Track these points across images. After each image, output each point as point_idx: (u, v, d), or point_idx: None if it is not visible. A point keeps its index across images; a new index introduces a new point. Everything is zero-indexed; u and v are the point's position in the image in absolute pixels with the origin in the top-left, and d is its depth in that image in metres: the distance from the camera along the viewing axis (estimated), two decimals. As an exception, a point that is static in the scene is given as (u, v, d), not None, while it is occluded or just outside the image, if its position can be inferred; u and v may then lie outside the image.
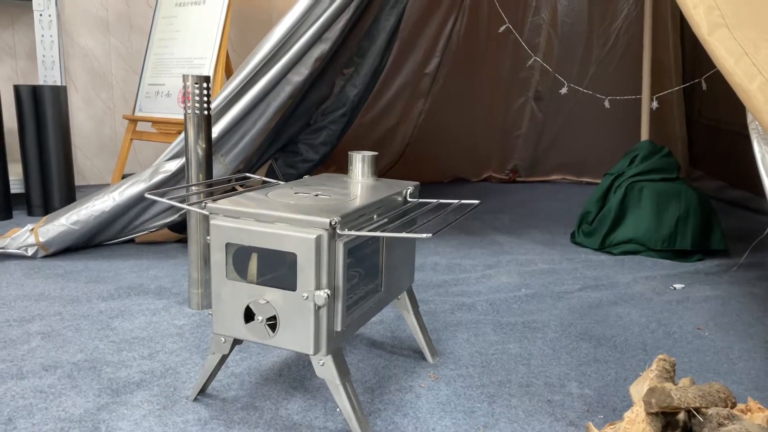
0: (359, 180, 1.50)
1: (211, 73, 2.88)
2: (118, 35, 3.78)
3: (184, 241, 2.58)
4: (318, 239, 1.11)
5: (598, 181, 4.40)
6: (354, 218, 1.19)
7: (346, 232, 1.13)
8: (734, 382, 1.49)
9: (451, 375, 1.48)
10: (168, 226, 2.49)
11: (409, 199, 1.46)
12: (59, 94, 2.88)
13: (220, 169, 2.39)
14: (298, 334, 1.16)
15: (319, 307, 1.13)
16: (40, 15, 3.10)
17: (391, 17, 2.23)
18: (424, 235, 1.10)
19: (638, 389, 1.28)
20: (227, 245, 1.18)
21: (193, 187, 1.79)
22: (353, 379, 1.44)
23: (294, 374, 1.46)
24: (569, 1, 3.53)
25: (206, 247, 1.83)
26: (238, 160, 2.41)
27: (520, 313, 1.90)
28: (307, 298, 1.13)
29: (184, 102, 1.75)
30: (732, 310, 1.97)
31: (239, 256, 1.21)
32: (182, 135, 2.29)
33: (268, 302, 1.16)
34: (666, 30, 3.58)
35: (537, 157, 4.30)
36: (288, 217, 1.13)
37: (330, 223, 1.11)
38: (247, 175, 1.62)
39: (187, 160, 1.78)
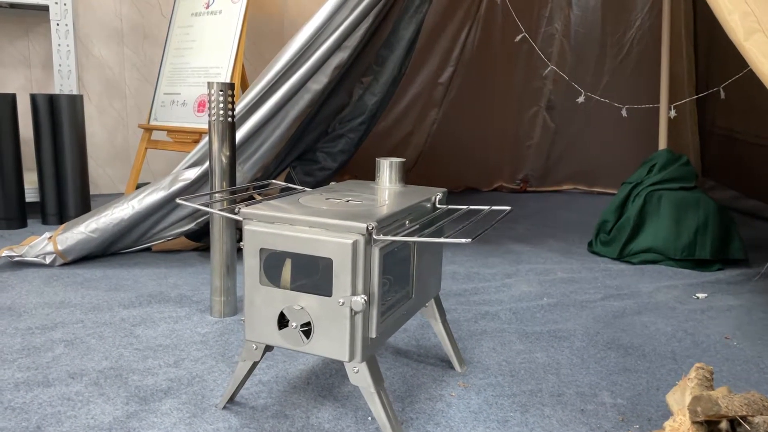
0: (386, 186, 1.49)
1: (228, 81, 2.88)
2: (132, 45, 3.79)
3: (200, 250, 2.57)
4: (354, 244, 1.10)
5: (610, 190, 4.40)
6: (388, 224, 1.18)
7: (381, 237, 1.12)
8: (767, 392, 1.47)
9: (481, 384, 1.47)
10: (185, 235, 2.48)
11: (438, 206, 1.45)
12: (75, 103, 2.89)
13: (237, 178, 2.38)
14: (332, 341, 1.14)
15: (356, 313, 1.12)
16: (57, 24, 3.11)
17: (411, 26, 2.23)
18: (463, 240, 1.09)
19: (676, 398, 1.26)
20: (261, 251, 1.17)
21: (216, 194, 1.79)
22: (392, 390, 1.42)
23: (322, 382, 1.44)
24: (582, 11, 3.54)
25: (228, 255, 1.82)
26: (256, 168, 2.40)
27: (543, 322, 1.88)
28: (343, 303, 1.12)
29: (207, 109, 1.75)
30: (757, 320, 1.95)
31: (270, 262, 1.20)
32: (202, 143, 2.29)
33: (302, 308, 1.15)
34: (680, 39, 3.59)
35: (548, 167, 4.30)
36: (324, 222, 1.12)
37: (367, 228, 1.10)
38: (273, 181, 1.62)
39: (210, 167, 1.77)
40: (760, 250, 2.77)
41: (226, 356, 1.57)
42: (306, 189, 1.56)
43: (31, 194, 3.01)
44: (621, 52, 3.59)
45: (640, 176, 2.67)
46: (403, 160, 1.51)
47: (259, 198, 2.46)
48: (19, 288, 2.04)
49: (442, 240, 1.10)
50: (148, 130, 3.17)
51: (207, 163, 2.24)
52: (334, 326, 1.13)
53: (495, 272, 2.38)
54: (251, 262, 1.18)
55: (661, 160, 2.66)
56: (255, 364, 1.28)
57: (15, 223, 2.87)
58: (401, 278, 1.33)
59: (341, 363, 1.51)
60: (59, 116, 2.87)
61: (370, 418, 1.30)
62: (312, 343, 1.16)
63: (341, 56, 2.27)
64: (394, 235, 1.17)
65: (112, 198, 3.66)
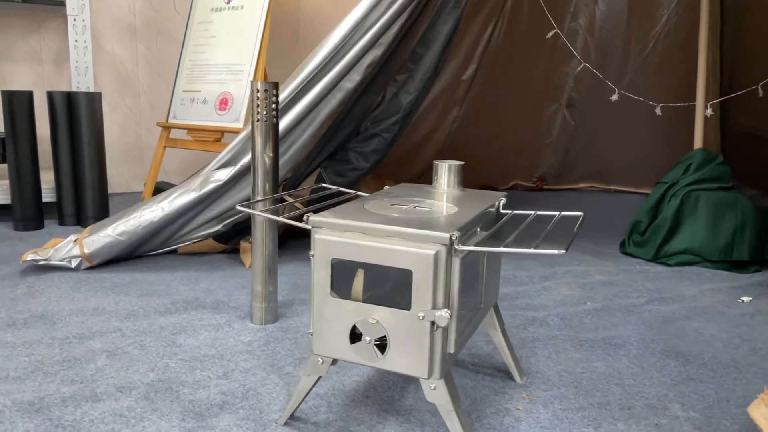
0: (445, 190, 1.44)
1: (249, 80, 2.82)
2: (146, 41, 3.71)
3: (227, 252, 2.50)
4: (436, 255, 1.04)
5: (628, 189, 4.35)
6: (464, 232, 1.12)
7: (463, 247, 1.06)
8: (841, 403, 1.42)
9: (545, 396, 1.41)
10: (212, 237, 2.41)
11: (502, 211, 1.39)
12: (94, 100, 2.81)
13: (267, 178, 2.31)
14: (410, 356, 1.08)
15: (439, 328, 1.06)
16: (74, 20, 3.03)
17: (449, 22, 2.17)
18: (556, 251, 1.03)
19: (762, 412, 1.21)
20: (333, 261, 1.11)
21: (259, 198, 1.72)
22: (445, 401, 1.36)
23: (381, 395, 1.38)
24: (608, 7, 3.48)
25: (271, 259, 1.76)
26: (287, 168, 2.33)
27: (593, 328, 1.83)
28: (423, 317, 1.06)
29: (249, 109, 1.68)
30: (810, 325, 1.91)
31: (337, 273, 1.13)
32: (234, 142, 2.22)
33: (377, 322, 1.09)
34: (703, 32, 3.53)
35: (565, 165, 4.24)
36: (403, 231, 1.06)
37: (450, 237, 1.04)
38: (324, 185, 1.56)
39: (254, 169, 1.71)
40: (794, 251, 2.72)
41: (275, 366, 1.51)
42: (360, 193, 1.50)
43: (47, 194, 2.93)
44: (645, 48, 3.53)
45: (675, 176, 2.62)
46: (462, 163, 1.45)
47: (290, 200, 2.40)
48: (48, 294, 1.97)
49: (533, 251, 1.04)
50: (167, 128, 3.09)
51: (240, 164, 2.17)
52: (412, 341, 1.07)
53: (531, 275, 2.32)
54: (321, 273, 1.12)
55: (697, 159, 2.61)
56: (319, 378, 1.22)
57: (32, 224, 2.80)
58: (470, 288, 1.27)
59: (399, 375, 1.45)
60: (77, 114, 2.80)
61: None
62: (387, 359, 1.10)
63: (375, 53, 2.20)
64: (469, 244, 1.11)
65: (129, 197, 3.59)
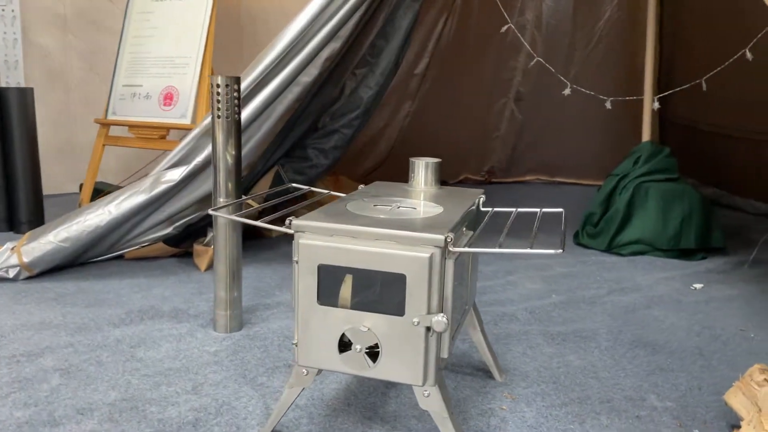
0: (422, 188, 1.40)
1: (197, 74, 2.69)
2: (78, 32, 3.49)
3: (178, 256, 2.37)
4: (431, 258, 1.00)
5: (570, 180, 4.46)
6: (455, 233, 1.09)
7: (457, 249, 1.03)
8: (801, 385, 1.48)
9: (526, 394, 1.40)
10: (163, 240, 2.28)
11: (482, 209, 1.37)
12: (26, 96, 2.61)
13: (221, 177, 2.21)
14: (404, 364, 1.04)
15: (435, 333, 1.02)
16: (2, 10, 2.80)
17: (408, 15, 2.13)
18: (552, 251, 1.01)
19: (740, 400, 1.24)
20: (320, 267, 1.05)
21: (221, 200, 1.63)
22: (428, 405, 1.33)
23: (363, 402, 1.34)
24: (554, 2, 3.53)
25: (235, 264, 1.67)
26: (242, 167, 2.23)
27: (561, 321, 1.84)
28: (418, 323, 1.02)
29: (211, 105, 1.59)
30: (761, 310, 1.99)
31: (324, 280, 1.07)
32: (186, 140, 2.11)
33: (369, 329, 1.04)
34: (644, 28, 3.64)
35: (513, 159, 4.30)
36: (397, 234, 1.01)
37: (445, 239, 1.00)
38: (296, 185, 1.49)
39: (215, 168, 1.61)
40: (731, 238, 2.85)
41: (247, 378, 1.43)
42: (315, 190, 1.45)
43: (-26, 198, 2.70)
44: (590, 43, 3.61)
45: (626, 168, 2.69)
46: (439, 160, 1.41)
47: (253, 203, 2.30)
48: (-15, 308, 1.81)
49: (529, 251, 1.02)
50: (106, 125, 2.91)
51: (194, 163, 2.06)
52: (406, 348, 1.03)
53: (495, 269, 2.32)
54: (307, 281, 1.06)
55: (646, 152, 2.69)
56: (302, 390, 1.17)
57: (-42, 231, 2.58)
58: (458, 289, 1.24)
59: (376, 380, 1.41)
60: (8, 112, 2.59)
61: (428, 441, 1.21)
62: (379, 368, 1.05)
63: (333, 47, 2.13)
64: (459, 245, 1.08)
65: (63, 199, 3.38)
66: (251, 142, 2.18)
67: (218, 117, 1.58)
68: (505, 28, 2.71)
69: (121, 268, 2.22)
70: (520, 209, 1.35)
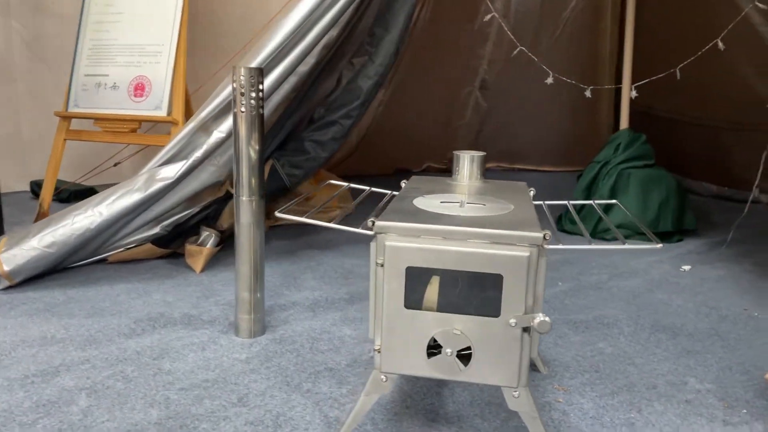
0: (467, 182, 1.37)
1: (171, 63, 2.53)
2: (21, 18, 3.21)
3: (165, 257, 2.24)
4: (530, 257, 0.97)
5: (530, 167, 4.55)
6: (536, 229, 1.07)
7: (552, 246, 1.01)
8: (816, 360, 1.57)
9: (575, 384, 1.41)
10: (151, 241, 2.15)
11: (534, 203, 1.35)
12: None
13: (213, 173, 2.09)
14: (498, 366, 1.02)
15: (535, 334, 1.00)
16: (-57, -10, 2.52)
17: (408, 2, 2.07)
18: (652, 246, 1.01)
19: (787, 380, 1.29)
20: (408, 270, 1.00)
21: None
22: (485, 402, 1.32)
23: (420, 404, 1.30)
24: (523, -9, 3.57)
25: (259, 265, 1.59)
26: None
27: (578, 309, 1.87)
28: (516, 324, 0.99)
29: (233, 98, 1.49)
30: (751, 288, 2.09)
31: (410, 283, 1.03)
32: (180, 135, 1.98)
33: (461, 332, 1.01)
34: (606, 20, 3.75)
35: (476, 146, 4.33)
36: (494, 233, 0.98)
37: (543, 237, 0.98)
38: (334, 182, 1.42)
39: (237, 164, 1.52)
40: (699, 220, 2.99)
41: (292, 385, 1.37)
42: (355, 186, 1.40)
43: None
44: (555, 32, 3.68)
45: (607, 156, 2.76)
46: (484, 153, 1.39)
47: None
48: (-29, 324, 1.63)
49: (626, 246, 1.01)
50: (67, 118, 2.70)
51: (192, 158, 1.94)
52: (500, 350, 1.01)
53: (494, 259, 2.33)
54: (393, 284, 1.01)
55: (625, 139, 2.77)
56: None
57: None
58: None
59: (430, 379, 1.38)
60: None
61: (501, 440, 1.19)
62: (471, 371, 1.02)
63: (331, 34, 2.06)
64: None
65: (13, 198, 3.12)
66: (244, 136, 2.08)
67: (242, 111, 1.48)
68: (489, 17, 2.71)
69: (108, 272, 2.07)
70: (572, 201, 1.34)
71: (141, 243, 2.14)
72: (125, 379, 1.37)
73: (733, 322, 1.80)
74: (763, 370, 1.50)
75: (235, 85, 1.47)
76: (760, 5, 2.56)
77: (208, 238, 2.15)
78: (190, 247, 2.15)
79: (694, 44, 2.99)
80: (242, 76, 1.46)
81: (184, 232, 2.23)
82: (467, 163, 1.37)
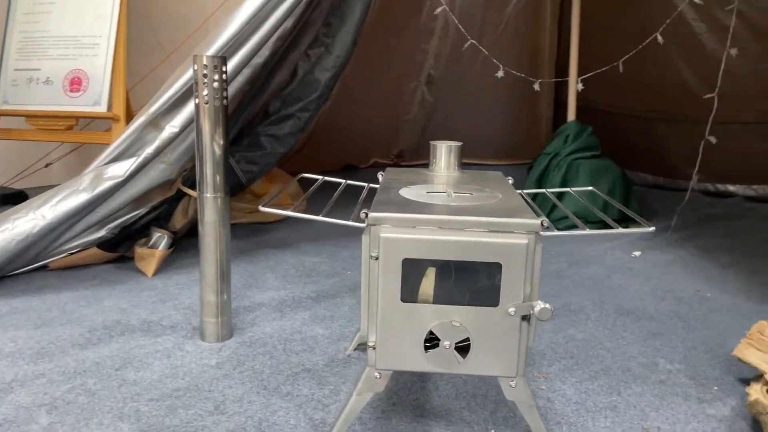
0: (446, 173, 1.35)
1: (110, 56, 2.39)
2: (-66, 6, 2.94)
3: (111, 262, 2.10)
4: (528, 244, 0.96)
5: (473, 161, 4.61)
6: (526, 217, 1.06)
7: (549, 233, 1.00)
8: None
9: (554, 371, 1.42)
10: (97, 245, 2.02)
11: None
12: None
13: (164, 171, 1.99)
14: (496, 356, 1.00)
15: (536, 321, 0.99)
16: None
17: (364, -7, 2.03)
18: (646, 229, 1.02)
19: (756, 355, 1.34)
20: (404, 262, 0.97)
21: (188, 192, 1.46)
22: (470, 394, 1.30)
23: (406, 400, 1.27)
24: (468, -14, 3.59)
25: (225, 265, 1.51)
26: (185, 159, 2.03)
27: (544, 297, 1.88)
28: (515, 312, 0.98)
29: (194, 89, 1.41)
30: (701, 269, 2.18)
31: (406, 275, 1.00)
32: (128, 131, 1.86)
33: (461, 324, 0.99)
34: (546, 16, 3.84)
35: (423, 141, 4.35)
36: (493, 221, 0.96)
37: (541, 224, 0.97)
38: (306, 175, 1.37)
39: (201, 161, 1.44)
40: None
41: (269, 389, 1.30)
42: (330, 179, 1.36)
43: None
44: (498, 27, 3.73)
45: (557, 147, 2.82)
46: (461, 144, 1.37)
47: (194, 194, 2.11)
48: None
49: (622, 230, 1.02)
50: (-6, 116, 2.50)
51: (144, 155, 1.83)
52: (499, 339, 0.99)
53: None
54: (389, 277, 0.98)
55: (573, 130, 2.84)
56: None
57: None
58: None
59: (413, 375, 1.35)
60: None
61: (493, 431, 1.18)
62: (470, 363, 1.00)
63: (285, 25, 1.99)
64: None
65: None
66: (194, 132, 1.98)
67: (205, 103, 1.40)
68: (439, 9, 2.71)
69: (50, 280, 1.93)
70: (548, 189, 1.35)
71: (85, 247, 2.00)
72: (87, 393, 1.27)
73: (689, 304, 1.87)
74: (724, 348, 1.56)
75: (197, 74, 1.39)
76: (696, 0, 2.67)
77: (160, 239, 2.04)
78: (140, 250, 2.03)
79: (631, 38, 3.10)
80: (205, 64, 1.38)
81: (131, 235, 2.10)
82: (444, 153, 1.35)
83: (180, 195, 2.12)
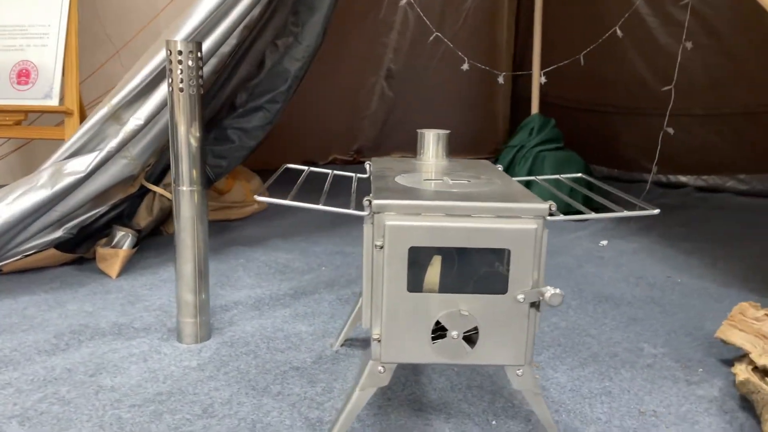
0: (434, 161, 1.33)
1: (61, 46, 2.25)
2: None
3: (69, 263, 1.98)
4: (536, 230, 0.94)
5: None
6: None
7: (555, 218, 0.99)
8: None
9: (544, 360, 1.42)
10: (55, 246, 1.90)
11: (499, 179, 1.33)
12: None
13: (126, 166, 1.89)
14: (505, 345, 0.98)
15: (544, 308, 0.97)
16: None
17: (334, -18, 1.98)
18: (651, 212, 1.02)
19: (739, 335, 1.37)
20: (411, 250, 0.94)
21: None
22: (465, 386, 1.28)
23: (401, 395, 1.24)
24: (427, -20, 3.57)
25: (203, 262, 1.44)
26: (148, 154, 1.94)
27: (521, 287, 1.89)
28: (524, 299, 0.96)
29: (167, 77, 1.33)
30: (665, 257, 2.23)
31: (411, 264, 0.96)
32: (88, 125, 1.75)
33: (469, 313, 0.96)
34: (503, 11, 3.87)
35: (381, 137, 4.32)
36: (500, 207, 0.94)
37: (549, 208, 0.95)
38: (291, 166, 1.32)
39: (175, 154, 1.36)
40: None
41: (258, 389, 1.25)
42: (315, 170, 1.32)
43: None
44: (457, 22, 3.73)
45: (522, 140, 2.84)
46: (449, 131, 1.35)
47: (158, 190, 2.02)
48: None
49: (627, 213, 1.01)
50: (-69, 111, 2.32)
51: (107, 149, 1.73)
52: (508, 328, 0.97)
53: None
54: (395, 267, 0.94)
55: (537, 123, 2.87)
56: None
57: None
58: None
59: (406, 368, 1.32)
60: None
61: (494, 423, 1.16)
62: (477, 353, 0.98)
63: (252, 13, 1.92)
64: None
65: None
66: (159, 125, 1.89)
67: (180, 90, 1.33)
68: (404, 1, 2.68)
69: (4, 284, 1.80)
70: (538, 177, 1.34)
71: (42, 249, 1.88)
72: (62, 402, 1.18)
73: (662, 290, 1.91)
74: (702, 331, 1.60)
75: (171, 60, 1.31)
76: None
77: (124, 238, 1.94)
78: (102, 251, 1.92)
79: (586, 32, 3.16)
80: (180, 49, 1.30)
81: (91, 235, 1.99)
82: (433, 141, 1.32)
83: (143, 192, 2.02)
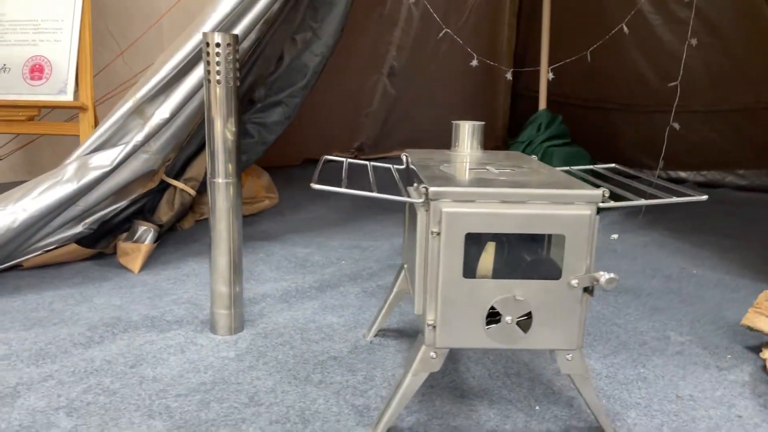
0: (468, 152, 1.34)
1: (74, 41, 2.24)
2: None
3: (90, 259, 1.98)
4: (591, 215, 0.96)
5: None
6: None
7: (608, 204, 1.01)
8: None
9: (575, 348, 1.44)
10: (76, 241, 1.89)
11: (534, 170, 1.35)
12: None
13: (147, 161, 1.89)
14: (558, 329, 1.00)
15: (587, 295, 0.99)
16: None
17: (352, -23, 1.99)
18: (699, 198, 1.04)
19: (763, 321, 1.40)
20: (467, 237, 0.95)
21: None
22: (503, 374, 1.30)
23: (442, 382, 1.26)
24: (432, -23, 3.59)
25: (238, 255, 1.44)
26: (169, 149, 1.94)
27: (542, 279, 1.92)
28: (578, 284, 0.98)
29: (204, 70, 1.34)
30: (676, 249, 2.27)
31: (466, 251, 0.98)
32: (113, 119, 1.75)
33: (524, 298, 0.98)
34: (504, 9, 3.90)
35: (382, 135, 4.33)
36: (554, 193, 0.96)
37: (603, 195, 0.97)
38: (330, 158, 1.33)
39: (211, 148, 1.37)
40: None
41: (300, 378, 1.26)
42: (353, 161, 1.33)
43: None
44: (460, 19, 3.75)
45: (530, 135, 2.87)
46: (483, 123, 1.36)
47: (179, 185, 2.02)
48: None
49: (676, 199, 1.04)
50: (-58, 106, 2.30)
51: (133, 143, 1.73)
52: (561, 312, 0.99)
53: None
54: (451, 253, 0.96)
55: (545, 119, 2.90)
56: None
57: None
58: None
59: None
60: None
61: (537, 408, 1.18)
62: (531, 337, 1.00)
63: (273, 9, 1.93)
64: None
65: None
66: (179, 120, 1.89)
67: (218, 82, 1.33)
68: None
69: (27, 280, 1.79)
70: (573, 168, 1.36)
71: (63, 244, 1.87)
72: (107, 392, 1.18)
73: (679, 281, 1.94)
74: (724, 319, 1.63)
75: (209, 52, 1.32)
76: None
77: (146, 233, 1.93)
78: (124, 245, 1.92)
79: (591, 29, 3.20)
80: (217, 41, 1.31)
81: (111, 230, 1.99)
82: (468, 132, 1.34)
83: (163, 187, 2.02)
